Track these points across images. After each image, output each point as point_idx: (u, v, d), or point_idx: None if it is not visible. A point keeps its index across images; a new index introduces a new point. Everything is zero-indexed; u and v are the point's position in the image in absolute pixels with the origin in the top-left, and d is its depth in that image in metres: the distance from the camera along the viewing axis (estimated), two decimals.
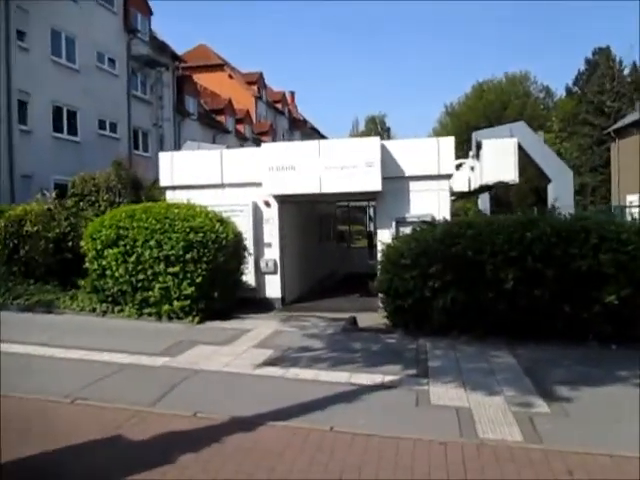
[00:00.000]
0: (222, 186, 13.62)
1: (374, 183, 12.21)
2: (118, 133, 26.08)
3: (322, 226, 18.52)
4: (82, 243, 9.43)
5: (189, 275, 8.79)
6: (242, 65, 48.20)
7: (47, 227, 11.61)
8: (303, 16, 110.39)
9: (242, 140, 38.95)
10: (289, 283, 14.09)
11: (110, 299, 9.30)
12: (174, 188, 13.82)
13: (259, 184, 13.04)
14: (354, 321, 9.13)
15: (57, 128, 22.34)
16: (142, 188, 19.30)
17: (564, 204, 17.72)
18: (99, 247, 9.09)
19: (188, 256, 8.77)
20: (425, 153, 12.72)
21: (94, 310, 9.41)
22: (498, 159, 16.53)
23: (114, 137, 25.73)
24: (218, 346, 7.42)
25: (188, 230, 8.91)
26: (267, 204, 13.43)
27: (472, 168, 18.05)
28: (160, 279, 8.83)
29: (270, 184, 12.77)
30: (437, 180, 12.76)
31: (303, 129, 52.55)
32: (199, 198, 13.14)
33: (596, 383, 6.00)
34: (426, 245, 7.89)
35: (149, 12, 28.94)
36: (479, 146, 17.03)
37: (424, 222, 8.82)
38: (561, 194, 19.01)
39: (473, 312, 7.80)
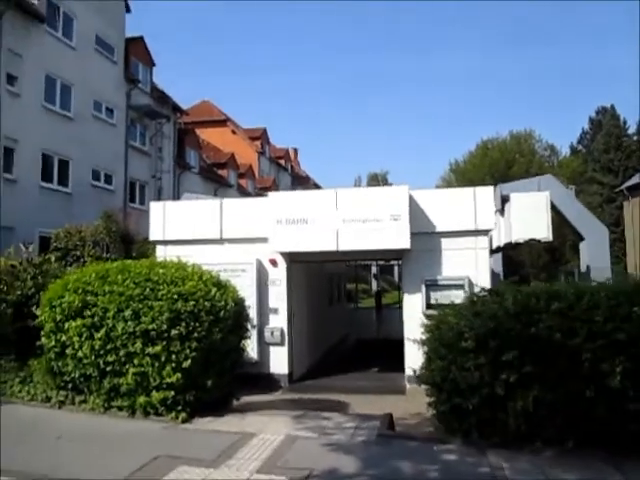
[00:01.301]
0: (221, 241, 11.56)
1: (402, 240, 10.15)
2: (113, 185, 24.25)
3: (332, 286, 16.32)
4: (38, 312, 7.21)
5: (174, 357, 6.54)
6: (244, 122, 47.10)
7: (8, 288, 9.44)
8: (304, 76, 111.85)
9: (244, 195, 37.20)
10: (297, 355, 11.80)
11: (70, 386, 7.00)
12: (165, 243, 11.74)
13: (264, 240, 11.00)
14: (390, 420, 6.81)
15: (46, 177, 20.44)
16: (133, 243, 17.29)
17: (599, 265, 15.58)
18: (59, 318, 6.87)
19: (174, 332, 6.54)
20: (459, 205, 10.74)
21: (48, 399, 7.08)
22: (529, 215, 14.63)
23: (108, 189, 23.87)
24: (208, 468, 5.10)
25: (175, 297, 6.73)
26: (274, 263, 11.33)
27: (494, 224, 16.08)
28: (136, 361, 6.57)
29: (278, 240, 10.70)
30: (474, 236, 10.73)
31: (306, 185, 51.08)
32: (194, 255, 11.07)
33: None
34: (496, 322, 5.72)
35: (151, 63, 27.70)
36: (505, 200, 15.12)
37: (485, 290, 6.64)
38: (595, 254, 16.89)
39: (562, 417, 5.55)
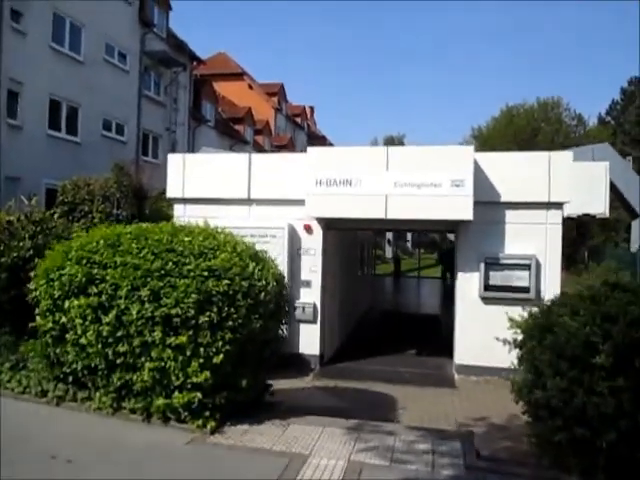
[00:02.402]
0: (249, 202, 9.97)
1: (463, 209, 8.53)
2: (125, 136, 22.53)
3: (362, 255, 14.76)
4: (32, 285, 5.69)
5: (203, 350, 5.05)
6: (259, 77, 44.74)
7: (4, 249, 7.98)
8: (322, 31, 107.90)
9: (261, 152, 35.44)
10: (328, 333, 10.36)
11: (71, 379, 5.54)
12: (185, 201, 10.17)
13: (299, 202, 9.41)
14: (472, 442, 5.33)
15: (54, 125, 18.76)
16: (146, 198, 15.72)
17: None
18: (57, 294, 5.36)
19: (203, 318, 5.04)
20: (530, 172, 9.06)
21: (44, 394, 5.63)
22: (585, 187, 12.94)
23: (120, 140, 22.17)
24: None
25: (205, 274, 5.20)
26: (308, 229, 9.76)
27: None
28: (154, 354, 5.09)
29: (316, 203, 9.10)
30: (545, 209, 9.10)
31: (322, 146, 49.05)
32: (218, 217, 9.53)
33: None
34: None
35: (168, 6, 25.57)
36: None
37: (607, 284, 5.04)
38: None
39: None
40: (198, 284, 5.14)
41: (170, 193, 10.24)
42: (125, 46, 22.37)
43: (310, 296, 9.69)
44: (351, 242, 12.95)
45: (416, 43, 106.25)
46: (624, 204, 16.00)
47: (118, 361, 5.19)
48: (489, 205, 8.99)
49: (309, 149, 9.35)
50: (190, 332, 5.04)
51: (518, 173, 9.07)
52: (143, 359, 5.13)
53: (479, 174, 8.86)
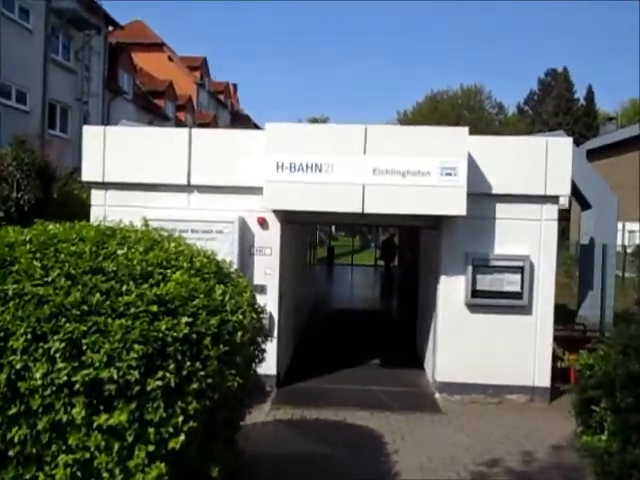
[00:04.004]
0: (189, 188, 7.98)
1: (455, 203, 7.09)
2: (28, 105, 19.31)
3: (310, 248, 13.07)
4: None
5: (154, 432, 3.17)
6: (179, 50, 41.29)
7: None
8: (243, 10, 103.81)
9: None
10: (284, 347, 8.67)
11: None
12: (106, 186, 7.99)
13: (253, 190, 7.60)
14: None
15: None
16: (54, 179, 13.13)
17: (604, 239, 13.15)
18: None
19: (153, 383, 3.15)
20: (525, 160, 7.73)
21: None
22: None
23: (22, 109, 18.97)
24: None
25: (154, 309, 3.30)
26: (263, 224, 7.93)
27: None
28: (72, 441, 3.14)
29: (276, 193, 7.29)
30: (540, 203, 7.83)
31: (247, 125, 46.48)
32: (147, 206, 7.55)
33: None
34: None
35: None
36: None
37: None
38: (602, 226, 14.49)
39: None
40: (143, 327, 3.23)
41: (86, 176, 8.00)
42: (27, 0, 19.05)
43: (265, 304, 7.87)
44: (302, 234, 11.22)
45: (342, 23, 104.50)
46: (576, 194, 15.33)
47: (11, 452, 3.18)
48: (478, 197, 7.56)
49: (267, 125, 7.44)
50: (132, 405, 3.13)
51: (511, 161, 7.71)
52: (55, 449, 3.16)
53: (469, 162, 7.39)
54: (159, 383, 3.17)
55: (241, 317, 3.74)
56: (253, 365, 4.33)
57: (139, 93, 28.71)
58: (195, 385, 3.30)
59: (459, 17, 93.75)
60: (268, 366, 7.83)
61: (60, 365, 3.10)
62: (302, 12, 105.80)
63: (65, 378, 3.10)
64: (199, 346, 3.39)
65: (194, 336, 3.39)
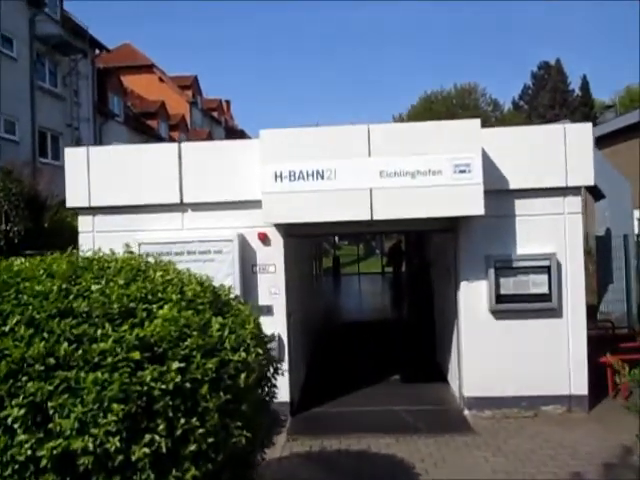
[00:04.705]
0: (182, 207, 7.37)
1: (472, 202, 6.46)
2: (17, 134, 18.81)
3: (317, 261, 12.42)
4: None
5: None
6: (169, 70, 40.88)
7: None
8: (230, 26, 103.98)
9: None
10: (296, 370, 8.01)
11: None
12: (93, 211, 7.39)
13: (251, 204, 7.00)
14: None
15: None
16: (45, 209, 12.61)
17: (619, 230, 12.46)
18: None
19: (140, 451, 2.52)
20: (542, 151, 7.11)
21: None
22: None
23: (11, 139, 18.45)
24: None
25: (136, 356, 2.67)
26: (264, 239, 7.31)
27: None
28: None
29: (276, 205, 6.68)
30: (561, 196, 7.19)
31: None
32: (139, 229, 6.96)
33: None
34: None
35: None
36: None
37: None
38: (618, 215, 13.81)
39: None
40: (124, 379, 2.59)
41: (71, 201, 7.40)
42: (10, 29, 18.60)
43: (272, 327, 7.12)
44: (307, 246, 10.59)
45: (332, 32, 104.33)
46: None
47: None
48: (495, 194, 6.92)
49: (262, 132, 6.83)
50: None
51: (527, 153, 7.08)
52: None
53: (483, 156, 6.78)
54: (146, 450, 2.53)
55: (244, 355, 3.10)
56: (264, 406, 3.66)
57: (131, 115, 28.26)
58: (192, 447, 2.66)
59: (446, 17, 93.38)
60: (281, 394, 7.16)
61: (21, 437, 2.47)
62: (298, 14, 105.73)
63: (29, 453, 2.46)
64: (195, 397, 2.75)
65: (188, 385, 2.74)
